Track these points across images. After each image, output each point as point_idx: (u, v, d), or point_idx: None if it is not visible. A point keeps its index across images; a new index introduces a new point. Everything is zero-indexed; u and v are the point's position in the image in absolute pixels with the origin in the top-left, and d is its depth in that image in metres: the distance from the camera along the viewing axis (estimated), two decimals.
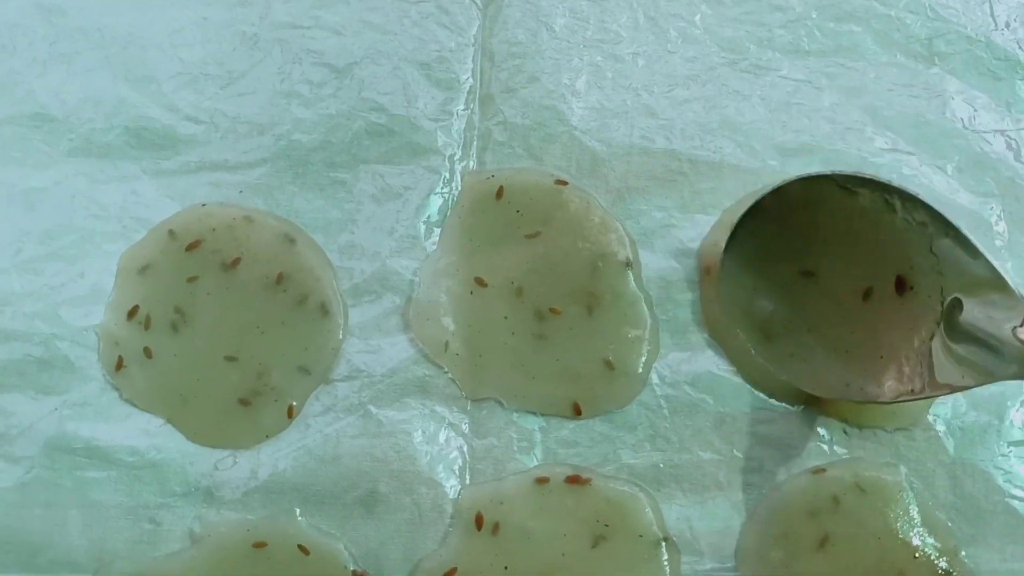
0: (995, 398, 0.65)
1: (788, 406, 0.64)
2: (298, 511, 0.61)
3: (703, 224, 0.69)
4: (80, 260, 0.66)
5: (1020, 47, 0.74)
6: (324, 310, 0.65)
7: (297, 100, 0.70)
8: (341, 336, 0.64)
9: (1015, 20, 0.75)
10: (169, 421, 0.62)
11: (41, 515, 0.60)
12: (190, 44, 0.71)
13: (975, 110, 0.72)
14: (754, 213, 0.63)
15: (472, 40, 0.73)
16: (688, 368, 0.65)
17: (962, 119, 0.72)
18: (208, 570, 0.59)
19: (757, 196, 0.63)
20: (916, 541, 0.61)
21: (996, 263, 0.59)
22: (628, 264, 0.67)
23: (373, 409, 0.63)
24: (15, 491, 0.61)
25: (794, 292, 0.64)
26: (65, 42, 0.71)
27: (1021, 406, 0.65)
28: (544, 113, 0.71)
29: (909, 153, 0.71)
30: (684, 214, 0.69)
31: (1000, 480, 0.63)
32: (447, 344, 0.65)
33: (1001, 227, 0.69)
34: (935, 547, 0.61)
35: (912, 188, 0.61)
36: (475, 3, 0.74)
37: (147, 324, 0.64)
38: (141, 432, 0.62)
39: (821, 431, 0.64)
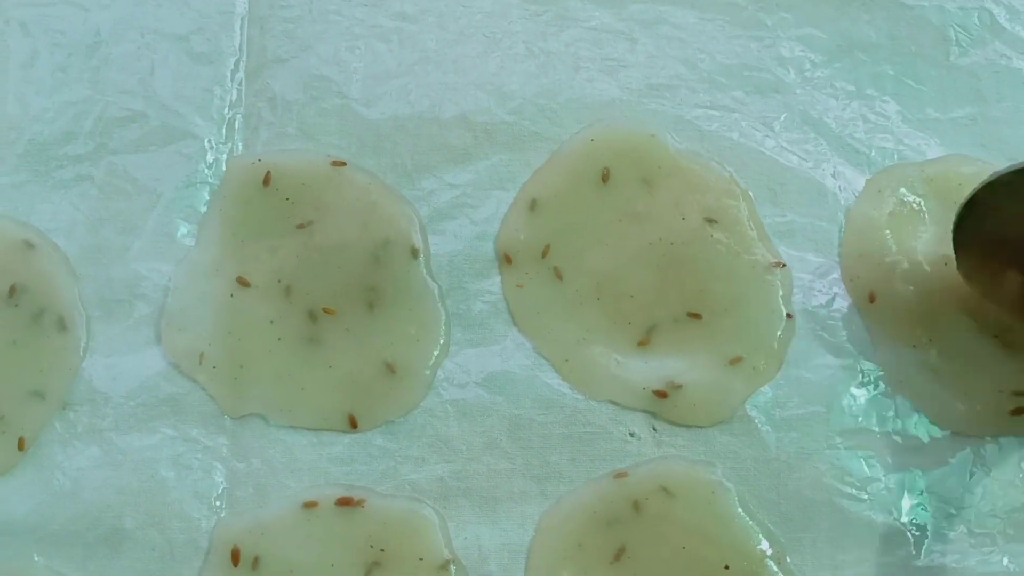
0: (823, 384, 0.58)
1: None
2: (35, 555, 0.54)
3: (501, 201, 0.61)
4: None
5: None
6: (61, 325, 0.58)
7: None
8: (81, 354, 0.57)
9: None
10: None
11: None
12: None
13: None
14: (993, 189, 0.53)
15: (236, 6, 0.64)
16: (480, 367, 0.58)
17: None
18: None
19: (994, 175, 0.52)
20: (729, 549, 0.54)
21: None
22: (414, 252, 0.60)
23: (115, 436, 0.56)
24: None
25: None
26: None
27: (854, 389, 0.58)
28: (318, 85, 0.63)
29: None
30: (480, 191, 0.62)
31: (828, 477, 0.56)
32: (202, 356, 0.57)
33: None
34: (753, 555, 0.54)
35: None
36: None
37: None
38: None
39: (628, 430, 0.57)
